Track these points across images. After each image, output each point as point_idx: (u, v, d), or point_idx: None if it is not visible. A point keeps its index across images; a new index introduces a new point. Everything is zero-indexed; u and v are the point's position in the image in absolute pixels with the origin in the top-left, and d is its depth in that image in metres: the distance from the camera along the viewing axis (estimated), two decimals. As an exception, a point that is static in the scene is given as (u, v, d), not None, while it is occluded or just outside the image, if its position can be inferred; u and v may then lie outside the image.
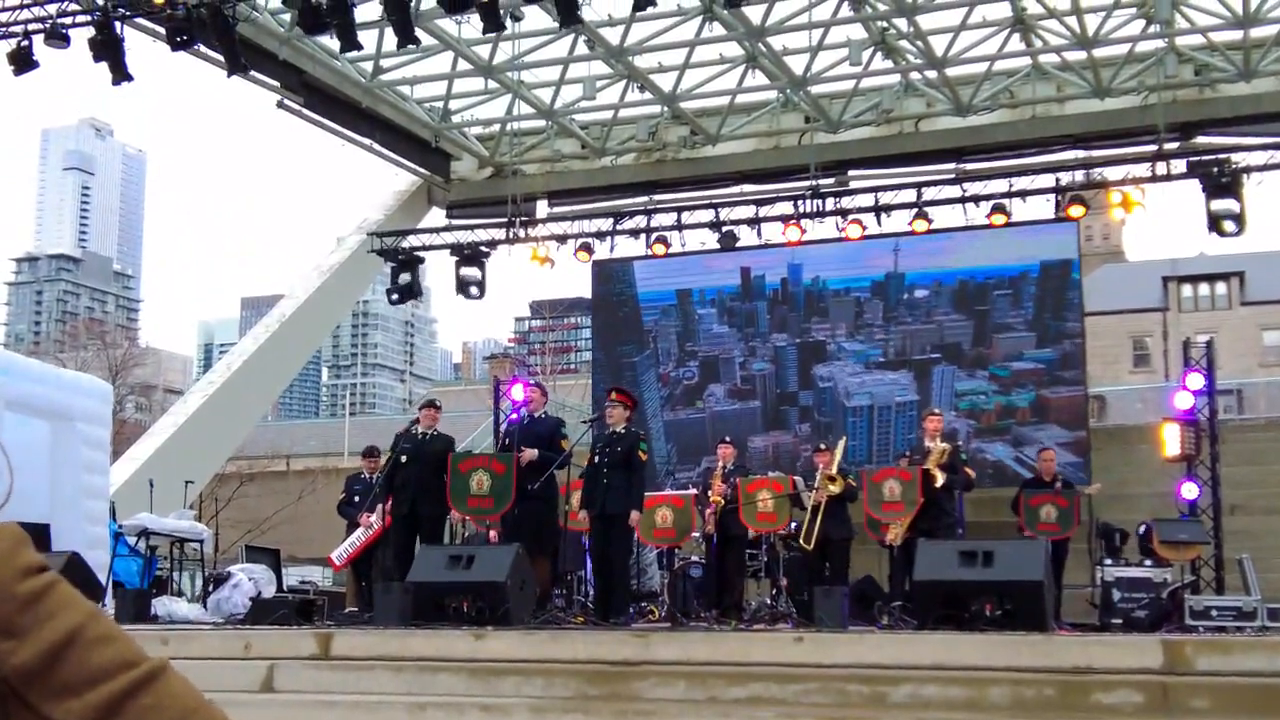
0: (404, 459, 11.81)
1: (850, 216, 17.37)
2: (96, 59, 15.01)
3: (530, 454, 11.53)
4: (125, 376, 44.76)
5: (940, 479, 12.33)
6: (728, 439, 14.39)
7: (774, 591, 12.72)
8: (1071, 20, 18.13)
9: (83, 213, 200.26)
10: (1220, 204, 15.71)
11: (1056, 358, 18.47)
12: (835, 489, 12.79)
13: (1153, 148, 18.20)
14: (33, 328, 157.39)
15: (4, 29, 15.21)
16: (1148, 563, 13.47)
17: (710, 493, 13.29)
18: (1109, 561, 13.60)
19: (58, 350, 55.74)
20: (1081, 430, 18.29)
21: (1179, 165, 16.37)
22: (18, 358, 15.56)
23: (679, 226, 18.26)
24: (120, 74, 15.16)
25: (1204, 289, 54.68)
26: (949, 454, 12.61)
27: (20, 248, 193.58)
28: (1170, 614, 12.03)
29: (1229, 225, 15.72)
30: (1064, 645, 7.43)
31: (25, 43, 15.08)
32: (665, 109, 20.93)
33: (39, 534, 12.17)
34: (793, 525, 13.24)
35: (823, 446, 13.54)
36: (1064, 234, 18.53)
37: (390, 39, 16.00)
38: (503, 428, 13.95)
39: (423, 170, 22.46)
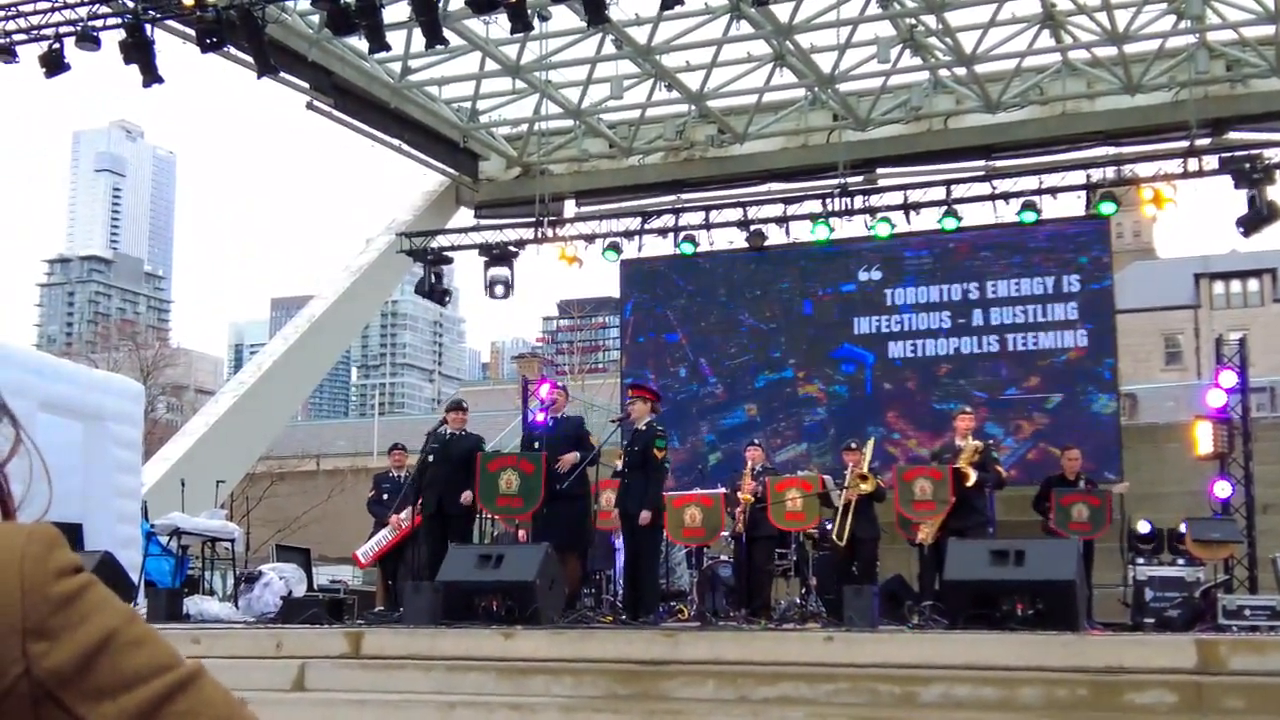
0: (431, 459, 11.84)
1: (879, 214, 17.31)
2: (127, 61, 15.10)
3: (572, 457, 11.56)
4: (156, 377, 45.03)
5: (972, 477, 12.26)
6: (755, 440, 14.47)
7: (804, 591, 12.70)
8: (1102, 16, 18.02)
9: (114, 214, 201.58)
10: (1252, 200, 15.60)
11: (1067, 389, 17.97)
12: (867, 488, 12.76)
13: (1184, 144, 18.07)
14: (65, 329, 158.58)
15: (35, 32, 15.31)
16: (1180, 562, 13.37)
17: (739, 492, 13.29)
18: (1141, 560, 13.50)
19: (90, 351, 56.13)
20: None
21: (1211, 161, 16.24)
22: (50, 359, 15.68)
23: (707, 225, 18.23)
24: (151, 76, 15.25)
25: (1236, 286, 54.34)
26: (980, 452, 12.55)
27: (52, 249, 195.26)
28: (1203, 613, 11.92)
29: (1259, 224, 15.61)
30: (1096, 645, 7.39)
31: (56, 45, 15.18)
32: (693, 108, 20.91)
33: (71, 534, 12.27)
34: (827, 525, 13.21)
35: (853, 445, 13.50)
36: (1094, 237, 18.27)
37: (419, 40, 16.04)
38: (527, 429, 13.97)
39: (451, 170, 22.51)
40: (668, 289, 19.79)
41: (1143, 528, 14.06)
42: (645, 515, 11.21)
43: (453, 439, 12.03)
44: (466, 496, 11.72)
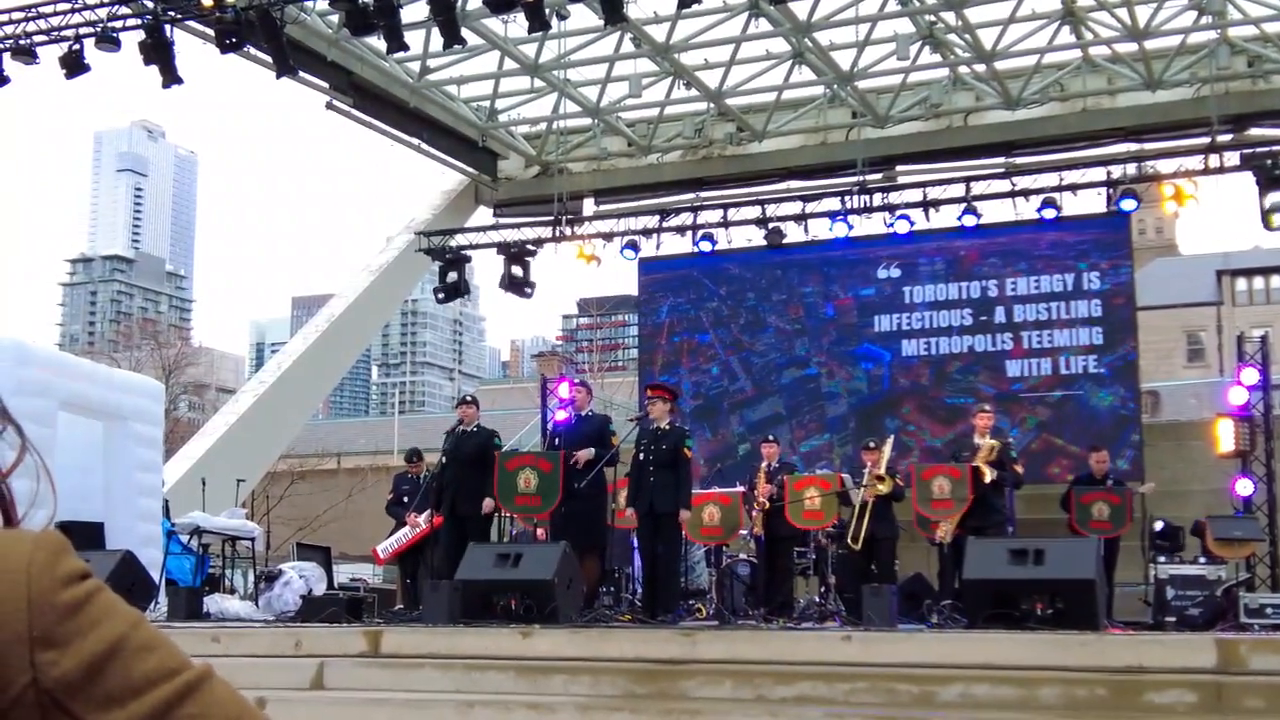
0: (445, 458, 11.85)
1: (898, 212, 17.26)
2: (147, 62, 15.16)
3: (587, 453, 11.52)
4: (178, 376, 45.24)
5: (989, 475, 12.23)
6: (771, 437, 14.41)
7: (823, 590, 12.67)
8: (1122, 12, 17.94)
9: (135, 214, 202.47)
10: (1274, 197, 15.49)
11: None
12: (884, 489, 12.73)
13: (1205, 140, 17.98)
14: (87, 328, 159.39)
15: (55, 33, 15.39)
16: (1202, 560, 13.31)
17: (755, 492, 13.27)
18: (1163, 559, 13.45)
19: (112, 350, 56.33)
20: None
21: (1232, 158, 16.16)
22: (71, 358, 15.78)
23: (725, 224, 18.22)
24: (170, 77, 15.31)
25: (1259, 282, 54.03)
26: (998, 450, 12.51)
27: (74, 249, 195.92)
28: (1225, 612, 11.85)
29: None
30: (1116, 645, 7.36)
31: (76, 46, 15.26)
32: (711, 106, 20.90)
33: (93, 532, 12.34)
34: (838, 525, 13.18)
35: (871, 445, 13.47)
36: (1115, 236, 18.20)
37: (437, 39, 16.06)
38: (549, 428, 13.98)
39: (470, 169, 22.55)
40: (699, 293, 20.20)
41: (1157, 525, 14.02)
42: (685, 514, 11.39)
43: (463, 437, 12.01)
44: (488, 504, 11.67)
